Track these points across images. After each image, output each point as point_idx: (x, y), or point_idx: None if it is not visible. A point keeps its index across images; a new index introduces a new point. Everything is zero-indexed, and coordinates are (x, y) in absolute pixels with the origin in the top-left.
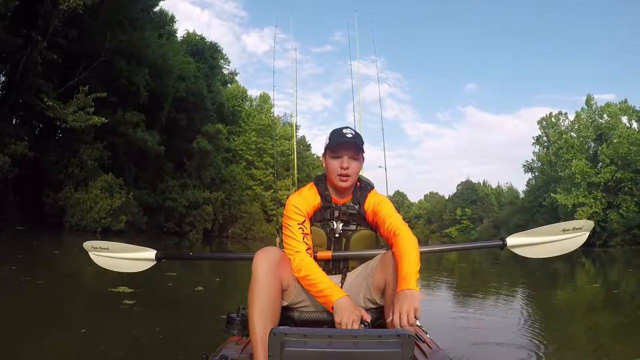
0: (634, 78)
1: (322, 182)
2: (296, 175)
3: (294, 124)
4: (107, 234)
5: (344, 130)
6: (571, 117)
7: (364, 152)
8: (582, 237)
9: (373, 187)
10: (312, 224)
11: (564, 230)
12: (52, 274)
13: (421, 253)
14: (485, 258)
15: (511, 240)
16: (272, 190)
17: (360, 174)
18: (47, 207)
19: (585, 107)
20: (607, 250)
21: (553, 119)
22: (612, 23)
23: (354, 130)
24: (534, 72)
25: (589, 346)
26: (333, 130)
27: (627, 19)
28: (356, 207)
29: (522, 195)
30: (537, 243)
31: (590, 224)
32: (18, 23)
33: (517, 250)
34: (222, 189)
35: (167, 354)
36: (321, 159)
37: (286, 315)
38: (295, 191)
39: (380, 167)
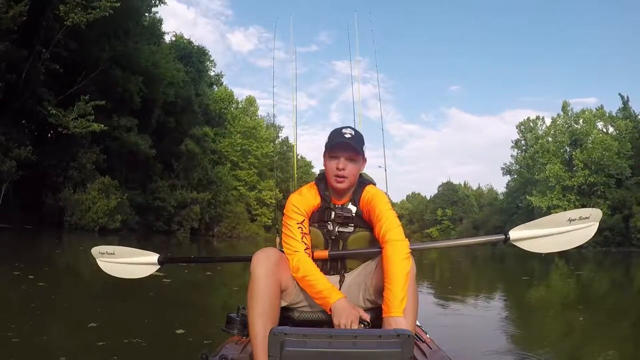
0: (614, 82)
1: (323, 181)
2: (296, 175)
3: (294, 124)
4: (104, 233)
5: (343, 130)
6: (548, 121)
7: (363, 153)
8: (591, 229)
9: (370, 182)
10: (310, 225)
11: (570, 220)
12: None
13: (418, 250)
14: (465, 257)
15: (514, 234)
16: (256, 191)
17: (362, 172)
18: (46, 207)
19: (562, 112)
20: (580, 251)
21: (531, 124)
22: (596, 28)
23: (355, 130)
24: (518, 75)
25: (580, 341)
26: (333, 130)
27: (609, 24)
28: (354, 208)
29: (501, 197)
30: (542, 235)
31: (598, 212)
32: (23, 36)
33: (521, 244)
34: (209, 189)
35: (167, 353)
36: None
37: (286, 315)
38: (294, 191)
39: (380, 167)
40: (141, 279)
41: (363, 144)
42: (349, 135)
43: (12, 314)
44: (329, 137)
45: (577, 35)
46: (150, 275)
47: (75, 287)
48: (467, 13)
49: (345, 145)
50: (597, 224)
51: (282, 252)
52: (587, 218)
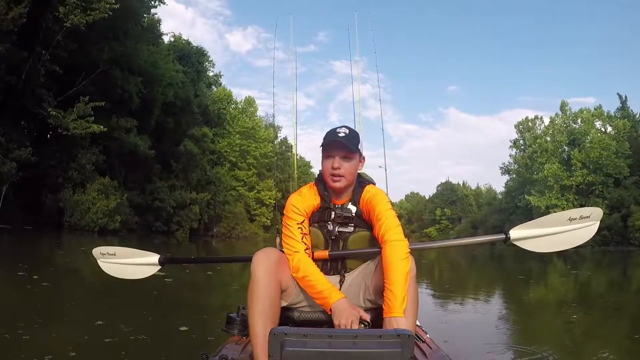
0: (613, 82)
1: (322, 181)
2: (296, 175)
3: (294, 124)
4: (104, 233)
5: (338, 130)
6: (547, 121)
7: (360, 151)
8: (592, 228)
9: (370, 182)
10: (310, 225)
11: (571, 220)
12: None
13: (417, 249)
14: (464, 257)
15: (515, 233)
16: (255, 191)
17: (362, 172)
18: (46, 208)
19: (560, 112)
20: (578, 251)
21: (530, 123)
22: (594, 28)
23: (350, 129)
24: (516, 75)
25: (577, 339)
26: (329, 130)
27: (608, 24)
28: (354, 208)
29: (499, 196)
30: (543, 235)
31: (598, 212)
32: (23, 37)
33: (521, 244)
34: (208, 189)
35: (167, 353)
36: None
37: (286, 316)
38: (294, 191)
39: (380, 167)
40: (143, 279)
41: (358, 142)
42: (343, 135)
43: (20, 312)
44: (324, 137)
45: (576, 35)
46: (152, 275)
47: (79, 287)
48: (465, 13)
49: (338, 144)
50: (598, 223)
51: (282, 252)
52: (587, 217)
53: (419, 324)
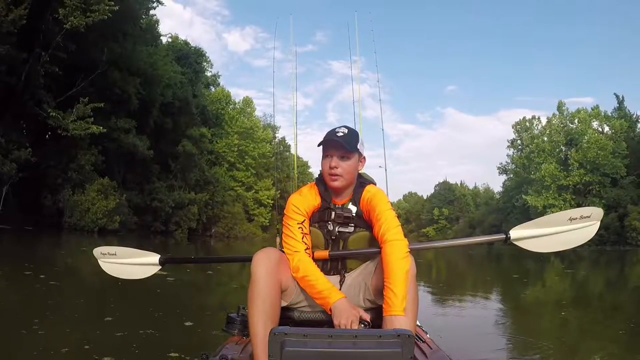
0: (610, 82)
1: (323, 181)
2: (296, 175)
3: (294, 125)
4: (103, 234)
5: (337, 129)
6: (544, 121)
7: (360, 151)
8: (593, 227)
9: (371, 182)
10: (310, 225)
11: (571, 219)
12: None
13: (417, 249)
14: (461, 257)
15: (515, 233)
16: (253, 191)
17: (363, 172)
18: (45, 208)
19: (557, 112)
20: (575, 250)
21: (527, 124)
22: (592, 28)
23: (348, 129)
24: (514, 75)
25: (573, 337)
26: (329, 130)
27: (607, 24)
28: (354, 208)
29: (497, 196)
30: (543, 235)
31: (599, 212)
32: (23, 39)
33: (522, 244)
34: (206, 190)
35: (176, 346)
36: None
37: (286, 316)
38: (294, 191)
39: (380, 167)
40: (145, 278)
41: (357, 142)
42: (341, 134)
43: (32, 310)
44: (324, 137)
45: (574, 36)
46: (154, 274)
47: (86, 285)
48: (463, 13)
49: (335, 143)
50: (598, 223)
51: (283, 252)
52: (588, 217)
53: (419, 324)
